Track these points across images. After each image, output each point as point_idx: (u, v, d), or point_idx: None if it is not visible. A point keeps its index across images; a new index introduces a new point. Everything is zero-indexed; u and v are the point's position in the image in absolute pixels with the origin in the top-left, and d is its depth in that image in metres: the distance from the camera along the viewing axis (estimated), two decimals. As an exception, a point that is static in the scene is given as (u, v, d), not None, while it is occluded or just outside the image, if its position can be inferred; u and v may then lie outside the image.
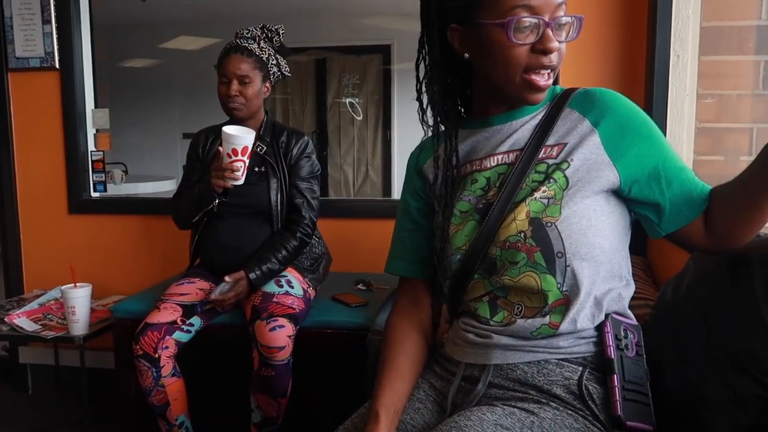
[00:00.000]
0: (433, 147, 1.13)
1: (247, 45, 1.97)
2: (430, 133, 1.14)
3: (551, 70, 0.99)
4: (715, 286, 1.03)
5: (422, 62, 1.10)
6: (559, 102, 1.06)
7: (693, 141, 1.91)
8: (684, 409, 0.99)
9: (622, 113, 1.01)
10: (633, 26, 2.17)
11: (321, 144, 5.38)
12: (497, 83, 1.03)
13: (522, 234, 0.98)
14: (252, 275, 1.87)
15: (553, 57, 0.98)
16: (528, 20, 0.95)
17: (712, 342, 0.96)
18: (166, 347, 1.79)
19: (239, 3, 4.46)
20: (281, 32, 2.05)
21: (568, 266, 0.97)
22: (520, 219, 0.99)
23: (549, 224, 0.97)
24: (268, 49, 2.02)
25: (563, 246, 0.97)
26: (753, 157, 0.90)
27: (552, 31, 0.96)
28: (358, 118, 5.37)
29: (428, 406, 1.10)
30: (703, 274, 1.09)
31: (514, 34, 0.95)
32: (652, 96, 1.96)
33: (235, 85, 1.94)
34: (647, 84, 2.00)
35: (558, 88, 1.10)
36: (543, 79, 0.99)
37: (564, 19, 0.98)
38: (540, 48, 0.96)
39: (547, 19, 0.96)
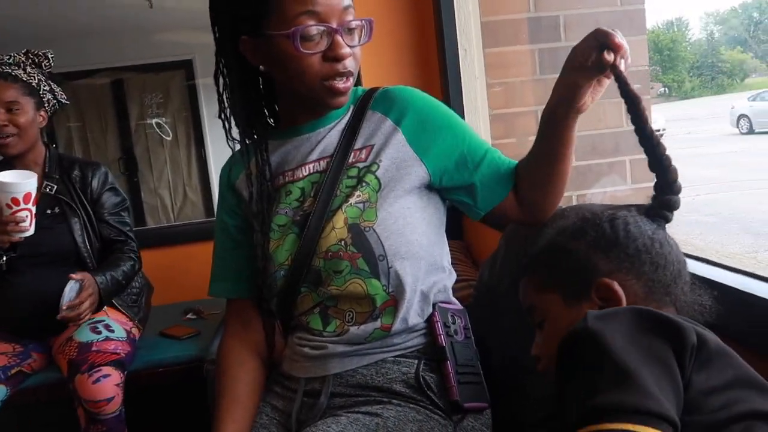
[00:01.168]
0: (243, 161, 1.09)
1: (10, 71, 1.77)
2: (237, 148, 1.11)
3: (349, 76, 0.99)
4: (520, 260, 1.11)
5: (221, 75, 1.06)
6: (362, 104, 1.07)
7: (489, 127, 2.07)
8: (510, 380, 1.05)
9: (421, 108, 1.04)
10: (422, 25, 2.29)
11: (130, 170, 5.03)
12: (297, 93, 1.02)
13: (342, 242, 0.98)
14: (99, 278, 1.70)
15: (348, 63, 0.97)
16: (315, 28, 0.94)
17: (520, 313, 1.03)
18: (-33, 426, 1.56)
19: (19, 25, 4.00)
20: (50, 56, 1.86)
21: (391, 267, 0.99)
22: (338, 227, 0.99)
23: (367, 229, 0.98)
24: (38, 75, 1.83)
25: (383, 248, 0.98)
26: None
27: (342, 36, 0.96)
28: (168, 138, 5.11)
29: (272, 429, 1.06)
30: (512, 252, 1.17)
31: (301, 44, 0.94)
32: (448, 89, 2.08)
33: (2, 115, 1.72)
34: (442, 78, 2.12)
35: (360, 89, 1.11)
36: (342, 82, 0.98)
37: (354, 23, 0.98)
38: (331, 55, 0.96)
39: (335, 25, 0.95)
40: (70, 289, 1.65)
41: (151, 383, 1.79)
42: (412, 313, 1.01)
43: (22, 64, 1.82)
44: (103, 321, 1.79)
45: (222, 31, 1.03)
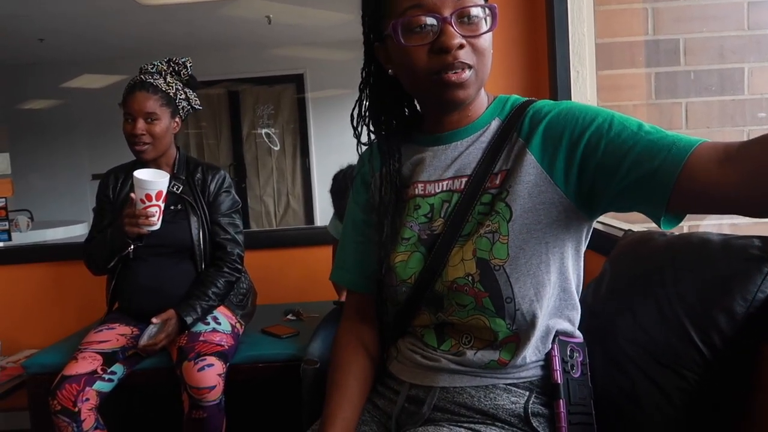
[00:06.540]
0: (377, 162, 1.08)
1: (152, 81, 1.90)
2: (360, 151, 1.11)
3: (464, 68, 0.89)
4: (630, 286, 1.08)
5: (362, 81, 1.06)
6: (510, 121, 0.96)
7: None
8: (619, 413, 0.99)
9: (548, 121, 0.91)
10: (534, 45, 2.28)
11: (239, 176, 5.30)
12: (414, 92, 0.99)
13: (470, 277, 0.92)
14: (188, 319, 1.80)
15: (461, 54, 0.88)
16: (418, 19, 0.88)
17: (634, 341, 1.00)
18: (87, 399, 1.69)
19: (145, 40, 4.35)
20: (189, 65, 1.98)
21: (518, 310, 0.92)
22: (467, 259, 0.93)
23: (497, 267, 0.91)
24: (176, 84, 1.95)
25: (512, 291, 0.91)
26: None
27: (455, 26, 0.87)
28: (276, 148, 5.33)
29: (373, 427, 1.06)
30: (619, 276, 1.14)
31: (404, 37, 0.89)
32: (558, 110, 2.05)
33: (141, 124, 1.85)
34: (552, 99, 2.10)
35: (512, 99, 1.00)
36: (455, 74, 0.89)
37: (473, 11, 0.89)
38: (438, 46, 0.88)
39: (446, 14, 0.87)
40: (150, 330, 1.78)
41: (250, 377, 1.87)
42: (532, 350, 0.95)
43: (163, 73, 1.95)
44: (212, 313, 1.90)
45: (364, 42, 1.03)
